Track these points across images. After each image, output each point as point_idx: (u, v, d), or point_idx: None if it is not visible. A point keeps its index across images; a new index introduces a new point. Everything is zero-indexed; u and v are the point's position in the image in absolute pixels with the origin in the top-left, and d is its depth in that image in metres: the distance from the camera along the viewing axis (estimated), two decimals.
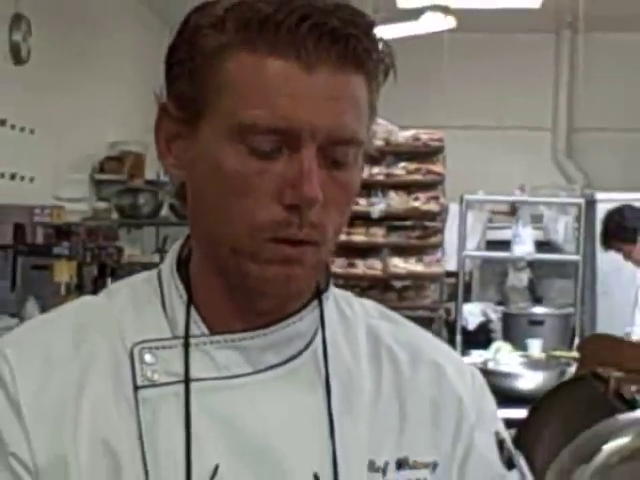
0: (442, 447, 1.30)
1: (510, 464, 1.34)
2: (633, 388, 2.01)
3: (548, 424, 2.21)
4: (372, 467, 1.25)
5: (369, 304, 1.42)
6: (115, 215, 8.98)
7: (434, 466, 1.29)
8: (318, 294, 1.30)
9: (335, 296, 1.36)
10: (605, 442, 1.74)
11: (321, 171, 1.16)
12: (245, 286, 1.22)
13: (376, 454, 1.26)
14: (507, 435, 1.38)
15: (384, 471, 1.26)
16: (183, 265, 1.30)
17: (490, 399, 1.40)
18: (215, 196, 1.20)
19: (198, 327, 1.25)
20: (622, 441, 1.75)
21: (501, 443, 1.34)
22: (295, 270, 1.18)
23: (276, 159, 1.16)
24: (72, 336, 1.26)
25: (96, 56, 9.42)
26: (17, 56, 8.22)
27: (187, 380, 1.21)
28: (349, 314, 1.36)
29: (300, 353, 1.26)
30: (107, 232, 8.53)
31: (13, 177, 8.13)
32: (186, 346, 1.23)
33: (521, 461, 1.38)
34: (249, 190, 1.17)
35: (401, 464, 1.27)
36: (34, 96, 8.35)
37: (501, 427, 1.38)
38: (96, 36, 9.39)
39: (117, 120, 9.88)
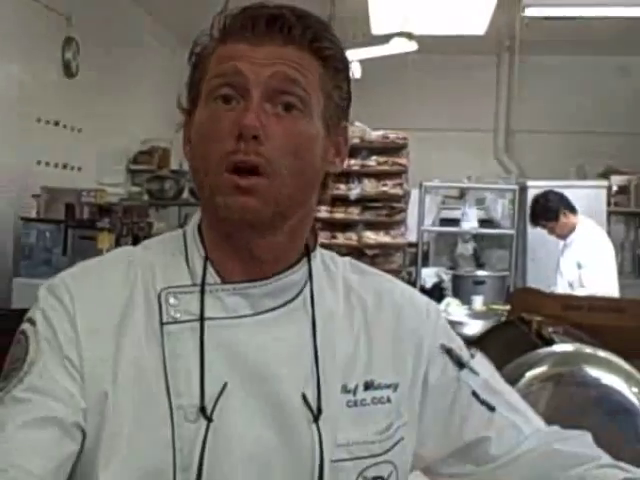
0: (403, 372, 1.31)
1: (460, 365, 1.35)
2: (550, 329, 2.03)
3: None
4: (344, 389, 1.26)
5: (346, 260, 1.42)
6: (146, 197, 8.99)
7: (395, 387, 1.29)
8: (308, 253, 1.31)
9: (322, 255, 1.36)
10: (527, 370, 1.76)
11: (270, 116, 1.20)
12: (221, 222, 1.24)
13: (348, 379, 1.27)
14: (456, 343, 1.39)
15: (354, 392, 1.27)
16: (202, 230, 1.31)
17: (441, 322, 1.41)
18: (196, 149, 1.25)
19: (212, 277, 1.26)
20: (540, 369, 1.76)
21: (449, 351, 1.35)
22: (250, 201, 1.18)
23: (233, 109, 1.20)
24: (122, 273, 1.29)
25: (131, 71, 9.40)
26: (68, 71, 8.19)
27: (202, 319, 1.22)
28: (332, 268, 1.36)
29: (292, 300, 1.27)
30: (139, 210, 8.51)
31: (65, 167, 8.13)
32: (202, 292, 1.24)
33: (473, 359, 1.39)
34: (214, 134, 1.20)
35: (368, 386, 1.28)
36: (81, 102, 8.32)
37: (448, 339, 1.38)
38: (131, 55, 9.35)
39: (147, 121, 9.86)
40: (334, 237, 8.13)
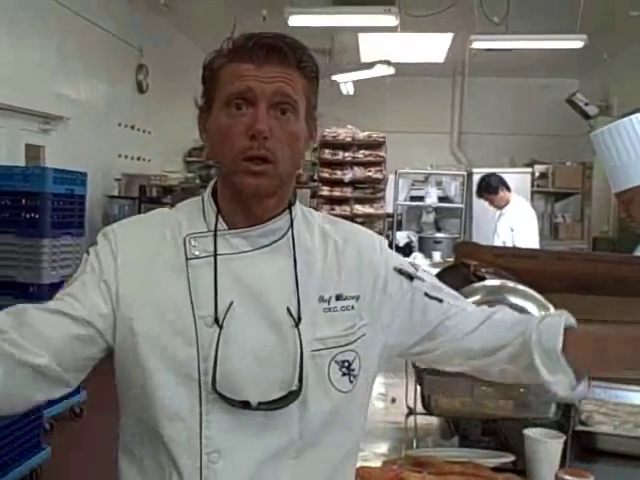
0: (363, 288, 1.33)
1: (410, 277, 1.37)
2: (483, 270, 2.02)
3: None
4: (321, 299, 1.29)
5: (321, 214, 1.43)
6: (197, 180, 8.96)
7: (357, 298, 1.31)
8: (289, 207, 1.33)
9: (302, 209, 1.38)
10: (465, 298, 1.76)
11: (272, 120, 1.22)
12: (238, 192, 1.25)
13: (323, 293, 1.30)
14: (401, 262, 1.39)
15: (328, 302, 1.29)
16: (215, 193, 1.33)
17: (388, 251, 1.41)
18: (217, 141, 1.25)
19: (222, 225, 1.29)
20: (474, 298, 1.76)
21: (400, 271, 1.37)
22: (260, 180, 1.22)
23: (244, 114, 1.22)
24: (156, 224, 1.32)
25: (185, 89, 9.33)
26: (140, 89, 8.21)
27: (215, 255, 1.26)
28: (310, 219, 1.37)
29: (279, 239, 1.29)
30: (193, 190, 8.43)
31: (138, 159, 8.19)
32: (215, 236, 1.27)
33: (419, 271, 1.40)
34: (231, 133, 1.22)
35: (338, 297, 1.30)
36: (150, 112, 8.34)
37: (397, 262, 1.39)
38: (186, 78, 9.23)
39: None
40: (332, 209, 8.13)
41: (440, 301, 1.38)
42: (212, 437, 1.23)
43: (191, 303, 1.23)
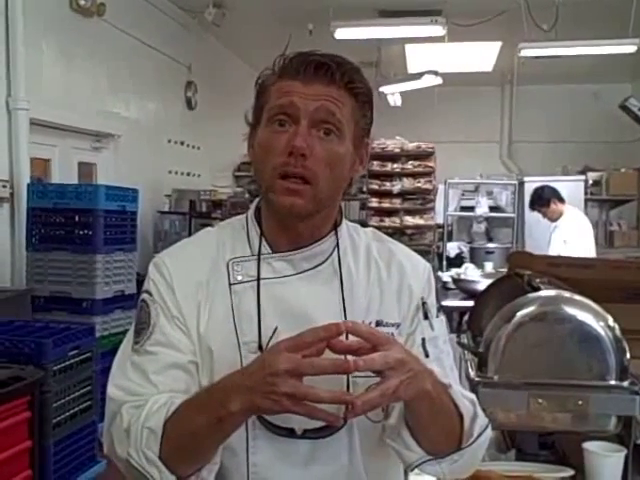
0: (403, 315, 1.31)
1: (425, 316, 1.32)
2: (537, 280, 1.99)
3: (489, 302, 2.19)
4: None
5: (369, 231, 1.41)
6: (247, 195, 9.01)
7: (398, 325, 1.29)
8: (335, 227, 1.31)
9: (348, 227, 1.36)
10: (519, 310, 1.73)
11: (314, 139, 1.19)
12: (275, 211, 1.24)
13: (365, 317, 1.27)
14: (431, 300, 1.35)
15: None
16: (259, 213, 1.32)
17: (431, 281, 1.37)
18: (258, 158, 1.24)
19: (266, 249, 1.28)
20: (529, 309, 1.73)
21: (424, 304, 1.33)
22: (296, 200, 1.19)
23: (286, 131, 1.20)
24: (204, 251, 1.31)
25: (233, 104, 9.44)
26: (189, 105, 8.29)
27: (258, 279, 1.26)
28: (356, 238, 1.36)
29: (323, 262, 1.28)
30: (242, 204, 8.51)
31: (188, 174, 8.24)
32: (258, 260, 1.27)
33: (435, 316, 1.34)
34: (272, 149, 1.20)
35: (378, 323, 1.28)
36: (199, 128, 8.42)
37: (429, 295, 1.35)
38: (233, 93, 9.38)
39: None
40: (382, 221, 8.13)
41: (426, 356, 1.31)
42: (259, 464, 1.23)
43: (235, 329, 1.24)
